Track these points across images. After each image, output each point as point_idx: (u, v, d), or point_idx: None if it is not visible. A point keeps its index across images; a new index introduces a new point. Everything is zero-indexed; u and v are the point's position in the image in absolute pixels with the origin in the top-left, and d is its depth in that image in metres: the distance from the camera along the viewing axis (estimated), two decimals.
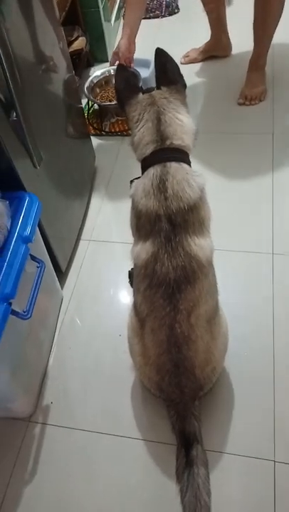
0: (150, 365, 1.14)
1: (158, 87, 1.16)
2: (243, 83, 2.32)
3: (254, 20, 2.07)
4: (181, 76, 1.17)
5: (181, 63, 2.55)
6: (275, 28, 2.08)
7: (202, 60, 2.58)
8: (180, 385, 1.11)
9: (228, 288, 1.33)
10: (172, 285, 1.02)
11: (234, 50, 2.58)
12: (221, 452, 1.24)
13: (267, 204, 1.82)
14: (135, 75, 1.15)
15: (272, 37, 2.12)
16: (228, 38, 2.53)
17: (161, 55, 1.15)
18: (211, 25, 2.45)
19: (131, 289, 1.19)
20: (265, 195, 1.86)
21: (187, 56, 2.59)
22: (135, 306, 1.16)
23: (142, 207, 1.06)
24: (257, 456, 1.22)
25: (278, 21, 2.04)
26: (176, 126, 1.09)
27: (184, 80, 1.17)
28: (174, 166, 1.06)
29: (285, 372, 1.37)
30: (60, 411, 1.38)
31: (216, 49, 2.56)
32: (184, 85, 1.17)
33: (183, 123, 1.11)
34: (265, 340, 1.44)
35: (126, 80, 1.21)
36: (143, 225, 1.06)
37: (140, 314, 1.13)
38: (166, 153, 1.08)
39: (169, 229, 1.02)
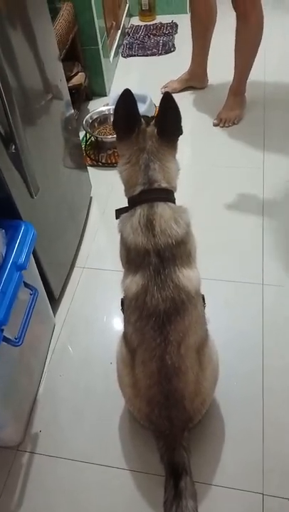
0: (140, 396, 1.14)
1: (155, 123, 1.16)
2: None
3: (235, 50, 2.24)
4: (179, 127, 1.16)
5: (162, 93, 2.64)
6: (254, 57, 2.26)
7: (181, 91, 2.71)
8: (170, 417, 1.11)
9: (218, 318, 1.35)
10: (162, 316, 1.04)
11: (213, 82, 2.72)
12: (210, 484, 1.23)
13: (257, 235, 1.86)
14: (136, 105, 1.15)
15: (251, 65, 2.30)
16: (206, 71, 2.68)
17: (167, 101, 1.12)
18: (193, 53, 2.59)
19: (123, 317, 1.21)
20: (256, 227, 1.90)
21: (166, 87, 2.70)
22: (125, 336, 1.18)
23: (130, 242, 1.09)
24: (245, 488, 1.21)
25: (256, 51, 2.23)
26: (163, 172, 1.14)
27: (181, 129, 1.17)
28: (161, 206, 1.10)
29: (275, 403, 1.37)
30: (49, 440, 1.36)
31: (193, 80, 2.70)
32: (180, 133, 1.18)
33: (170, 170, 1.15)
34: (255, 371, 1.44)
35: (126, 111, 1.14)
36: (133, 258, 1.10)
37: (131, 345, 1.14)
38: (153, 193, 1.12)
39: (157, 262, 1.05)
